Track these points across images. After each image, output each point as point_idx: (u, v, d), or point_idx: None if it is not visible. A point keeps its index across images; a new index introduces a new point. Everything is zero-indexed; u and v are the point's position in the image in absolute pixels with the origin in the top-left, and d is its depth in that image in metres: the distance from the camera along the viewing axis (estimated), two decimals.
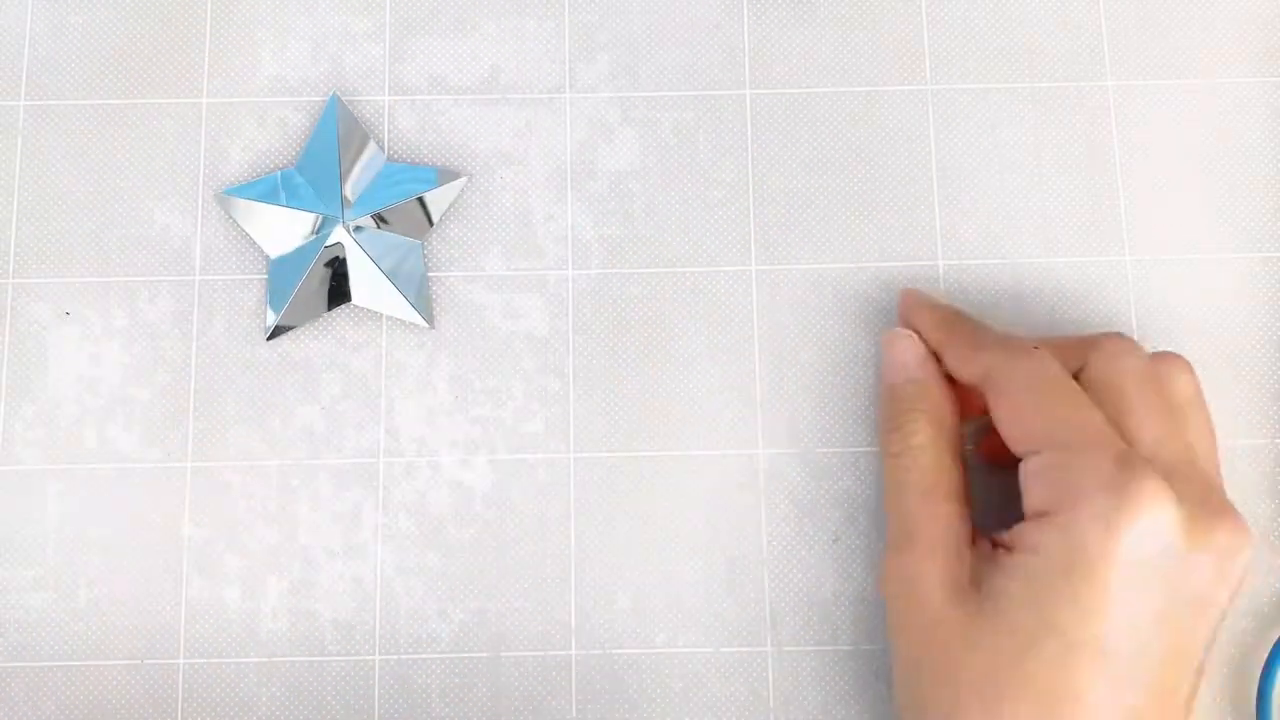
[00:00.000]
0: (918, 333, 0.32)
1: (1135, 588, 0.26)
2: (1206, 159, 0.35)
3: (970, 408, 0.31)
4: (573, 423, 0.33)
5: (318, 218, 0.34)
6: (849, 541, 0.33)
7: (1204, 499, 0.27)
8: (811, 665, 0.32)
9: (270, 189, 0.34)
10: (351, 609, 0.32)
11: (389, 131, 0.35)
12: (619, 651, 0.32)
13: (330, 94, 0.35)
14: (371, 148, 0.34)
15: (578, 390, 0.33)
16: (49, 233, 0.34)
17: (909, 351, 0.32)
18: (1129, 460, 0.26)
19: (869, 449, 0.33)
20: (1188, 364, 0.30)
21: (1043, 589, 0.26)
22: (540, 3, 0.36)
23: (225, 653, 0.32)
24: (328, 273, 0.34)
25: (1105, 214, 0.34)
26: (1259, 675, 0.31)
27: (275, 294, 0.33)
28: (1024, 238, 0.34)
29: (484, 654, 0.32)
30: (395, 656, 0.32)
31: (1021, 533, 0.28)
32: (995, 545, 0.28)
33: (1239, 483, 0.33)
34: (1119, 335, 0.30)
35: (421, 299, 0.34)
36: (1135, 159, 0.35)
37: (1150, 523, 0.26)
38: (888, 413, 0.31)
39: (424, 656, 0.32)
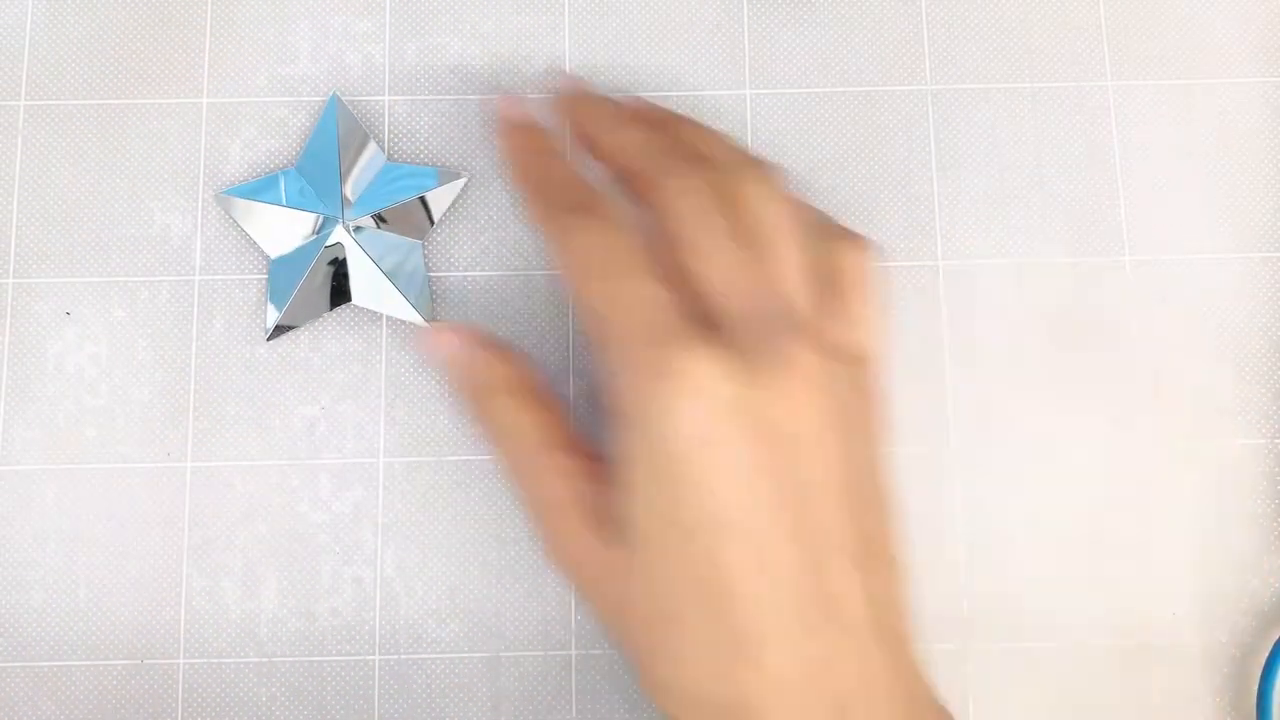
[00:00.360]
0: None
1: (722, 461, 0.24)
2: (1206, 159, 0.35)
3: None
4: (573, 423, 0.33)
5: (318, 218, 0.34)
6: None
7: (762, 336, 0.25)
8: None
9: (270, 189, 0.34)
10: (351, 609, 0.32)
11: (389, 131, 0.35)
12: (619, 651, 0.32)
13: (330, 94, 0.34)
14: (371, 148, 0.34)
15: (578, 390, 0.33)
16: (49, 233, 0.34)
17: (447, 344, 0.30)
18: (656, 336, 0.25)
19: None
20: (762, 170, 0.28)
21: (636, 498, 0.25)
22: (540, 2, 0.36)
23: (225, 653, 0.32)
24: (329, 272, 0.33)
25: (1105, 214, 0.34)
26: (1259, 675, 0.31)
27: (276, 294, 0.33)
28: (1024, 238, 0.34)
29: (484, 654, 0.32)
30: (395, 656, 0.32)
31: (611, 442, 0.26)
32: (605, 460, 0.27)
33: (1239, 482, 0.33)
34: (685, 172, 0.27)
35: (422, 299, 0.33)
36: (1135, 159, 0.35)
37: (693, 394, 0.24)
38: (467, 405, 0.30)
39: (424, 656, 0.32)
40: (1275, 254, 0.34)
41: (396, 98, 0.35)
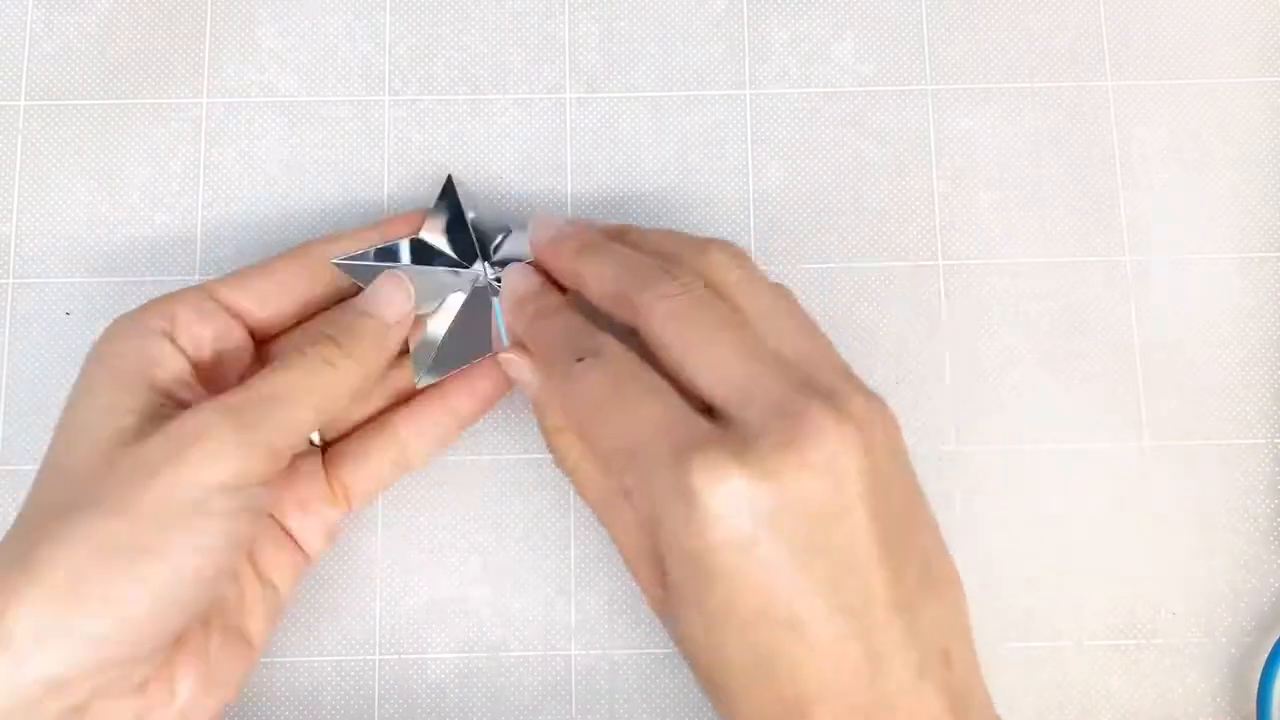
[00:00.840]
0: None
1: (762, 556, 0.24)
2: (1206, 159, 0.35)
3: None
4: None
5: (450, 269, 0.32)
6: None
7: (774, 419, 0.25)
8: None
9: (393, 254, 0.32)
10: (352, 609, 0.32)
11: (389, 131, 0.35)
12: (619, 651, 0.32)
13: (447, 176, 0.33)
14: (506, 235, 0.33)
15: None
16: (49, 233, 0.34)
17: (517, 372, 0.30)
18: (675, 451, 0.25)
19: None
20: (715, 243, 0.29)
21: (688, 603, 0.26)
22: (541, 2, 0.36)
23: None
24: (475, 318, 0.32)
25: (1105, 214, 0.34)
26: (1259, 675, 0.31)
27: (421, 353, 0.31)
28: (1024, 238, 0.34)
29: (484, 654, 0.32)
30: (395, 656, 0.32)
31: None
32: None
33: (1239, 482, 0.33)
34: (657, 279, 0.28)
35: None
36: (1135, 159, 0.35)
37: (722, 500, 0.24)
38: (544, 439, 0.31)
39: (424, 656, 0.32)
40: (1275, 254, 0.34)
41: (396, 97, 0.35)
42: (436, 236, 0.32)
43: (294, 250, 0.31)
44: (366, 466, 0.31)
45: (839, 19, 0.36)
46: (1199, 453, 0.33)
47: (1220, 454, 0.33)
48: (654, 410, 0.26)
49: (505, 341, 0.31)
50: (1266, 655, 0.31)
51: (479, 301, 0.32)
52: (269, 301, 0.30)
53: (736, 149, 0.35)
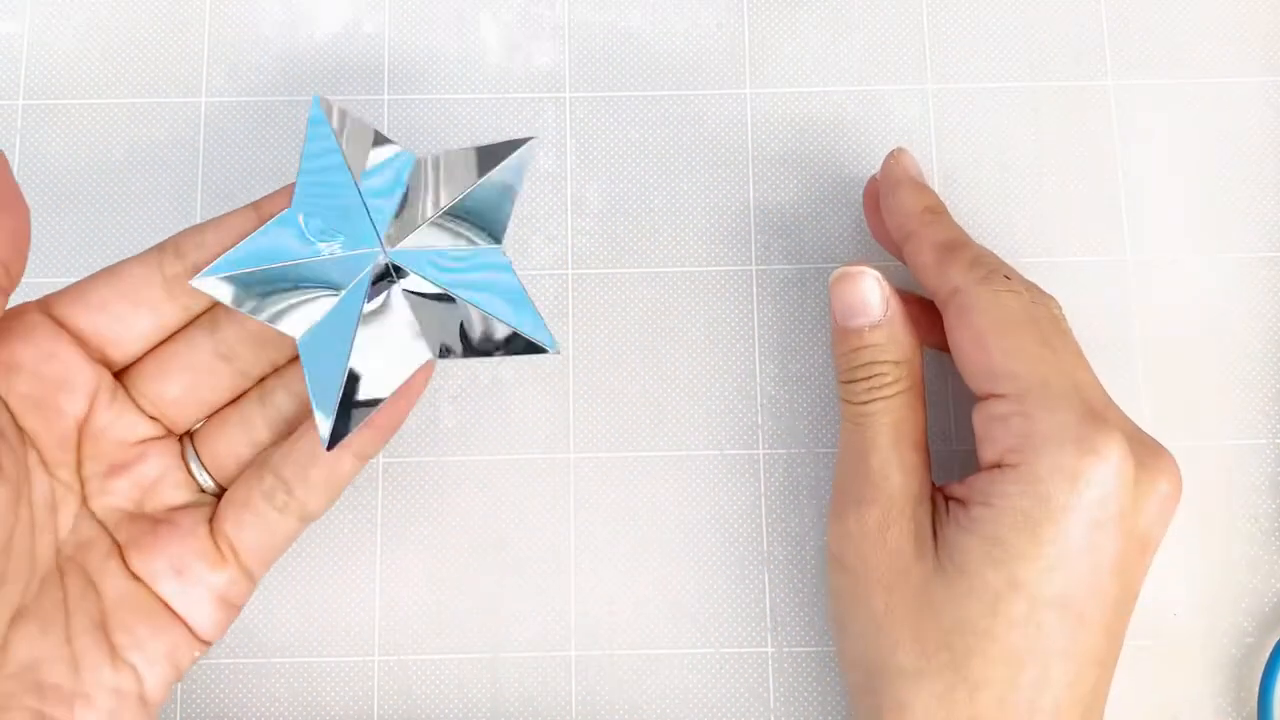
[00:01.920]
0: (889, 209, 0.31)
1: (1095, 539, 0.26)
2: (1206, 159, 0.35)
3: (929, 330, 0.30)
4: (573, 423, 0.33)
5: (347, 261, 0.25)
6: None
7: (1141, 441, 0.27)
8: (811, 665, 0.32)
9: (261, 248, 0.25)
10: (352, 609, 0.32)
11: (388, 131, 0.35)
12: (619, 652, 0.32)
13: (312, 95, 0.27)
14: (389, 148, 0.26)
15: (578, 390, 0.33)
16: (49, 233, 0.34)
17: (873, 292, 0.29)
18: (1094, 412, 0.26)
19: None
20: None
21: (1005, 545, 0.26)
22: (540, 2, 0.36)
23: (225, 653, 0.32)
24: (387, 334, 0.25)
25: (1105, 214, 0.34)
26: (1260, 676, 0.31)
27: (320, 389, 0.24)
28: (1024, 237, 0.34)
29: (484, 654, 0.32)
30: (395, 657, 0.32)
31: (979, 485, 0.27)
32: (947, 499, 0.28)
33: (1239, 482, 0.33)
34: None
35: (537, 323, 0.26)
36: (1135, 159, 0.35)
37: (1111, 475, 0.26)
38: (850, 361, 0.29)
39: (424, 657, 0.32)
40: (1275, 254, 0.34)
41: (396, 97, 0.35)
42: (315, 201, 0.24)
43: (148, 252, 0.26)
44: (250, 518, 0.27)
45: (839, 19, 0.36)
46: (1199, 453, 0.33)
47: (1221, 454, 0.33)
48: (1081, 361, 0.28)
49: (438, 352, 0.26)
50: (1268, 656, 0.31)
51: (386, 299, 0.25)
52: (117, 317, 0.26)
53: (737, 149, 0.35)
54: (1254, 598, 0.32)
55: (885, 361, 0.29)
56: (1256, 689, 0.31)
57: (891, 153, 0.32)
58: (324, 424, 0.24)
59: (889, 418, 0.28)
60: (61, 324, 0.26)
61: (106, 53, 0.35)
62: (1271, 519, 0.33)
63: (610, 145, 0.35)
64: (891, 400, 0.29)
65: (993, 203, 0.35)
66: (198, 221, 0.34)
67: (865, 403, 0.29)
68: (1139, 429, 0.28)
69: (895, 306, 0.29)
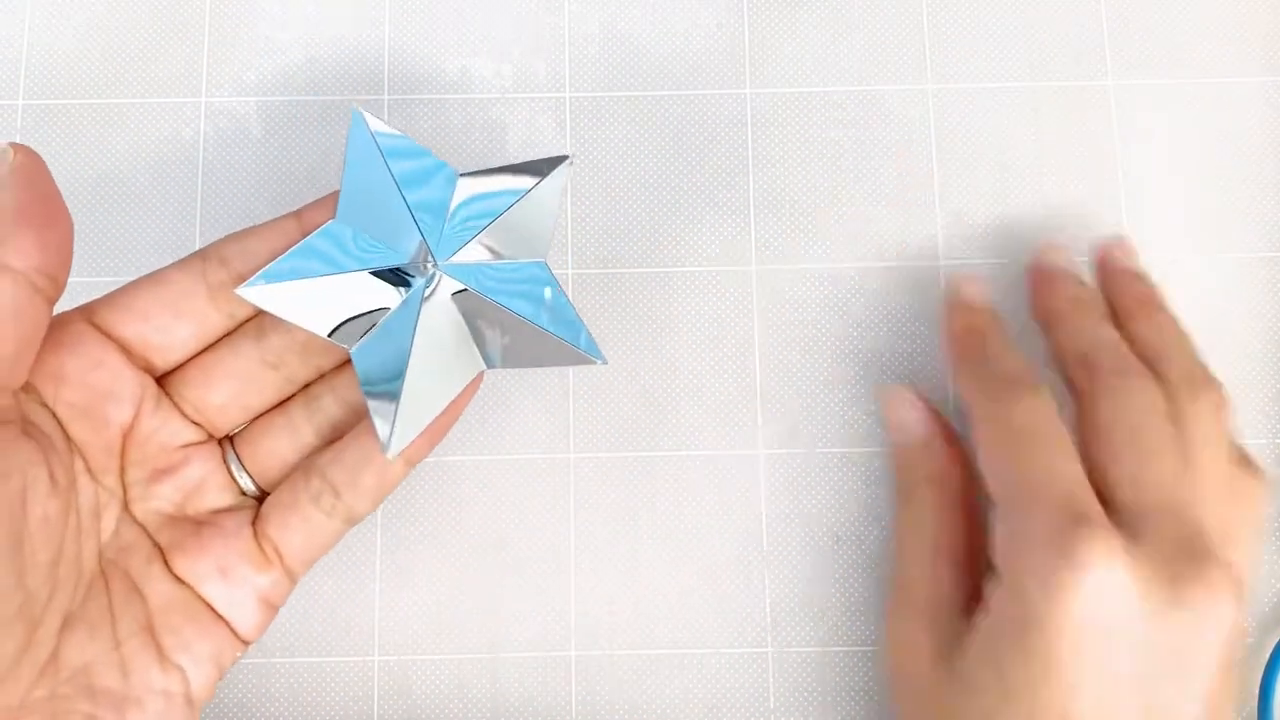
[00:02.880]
0: (952, 322, 0.31)
1: (1096, 652, 0.24)
2: (1206, 158, 0.35)
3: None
4: (573, 423, 0.33)
5: (393, 275, 0.25)
6: (849, 542, 0.33)
7: (1178, 551, 0.25)
8: (811, 665, 0.32)
9: (307, 259, 0.25)
10: (352, 609, 0.32)
11: None
12: (619, 652, 0.32)
13: (352, 109, 0.27)
14: (430, 160, 0.26)
15: (578, 390, 0.33)
16: None
17: (908, 412, 0.31)
18: (1077, 514, 0.25)
19: (869, 449, 0.33)
20: (1215, 393, 0.28)
21: (997, 652, 0.25)
22: (540, 2, 0.36)
23: None
24: (440, 340, 0.25)
25: (1105, 214, 0.34)
26: (1260, 676, 0.31)
27: (378, 394, 0.25)
28: (1024, 237, 0.34)
29: (484, 654, 0.32)
30: (395, 657, 0.32)
31: (986, 589, 0.27)
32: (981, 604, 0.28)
33: None
34: (1139, 374, 0.28)
35: (585, 336, 0.26)
36: (1135, 159, 0.35)
37: (1097, 582, 0.24)
38: (898, 478, 0.31)
39: (424, 657, 0.32)
40: (1275, 254, 0.34)
41: (396, 97, 0.35)
42: (360, 215, 0.25)
43: (190, 258, 0.27)
44: (296, 520, 0.27)
45: (839, 19, 0.36)
46: None
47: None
48: (1069, 467, 0.26)
49: (487, 362, 0.26)
50: (1268, 656, 0.31)
51: (438, 313, 0.25)
52: (161, 326, 0.26)
53: (737, 149, 0.35)
54: (1254, 598, 0.32)
55: (920, 478, 0.30)
56: (1257, 689, 0.31)
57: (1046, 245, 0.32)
58: (383, 431, 0.25)
59: (928, 531, 0.29)
60: (106, 332, 0.26)
61: (106, 53, 0.35)
62: (1272, 519, 0.33)
63: (610, 145, 0.35)
64: (925, 517, 0.30)
65: (993, 203, 0.35)
66: (196, 221, 0.34)
67: (905, 519, 0.30)
68: (1195, 538, 0.25)
69: (933, 426, 0.31)
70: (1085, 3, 0.36)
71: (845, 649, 0.32)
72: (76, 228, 0.34)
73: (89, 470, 0.25)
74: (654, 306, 0.34)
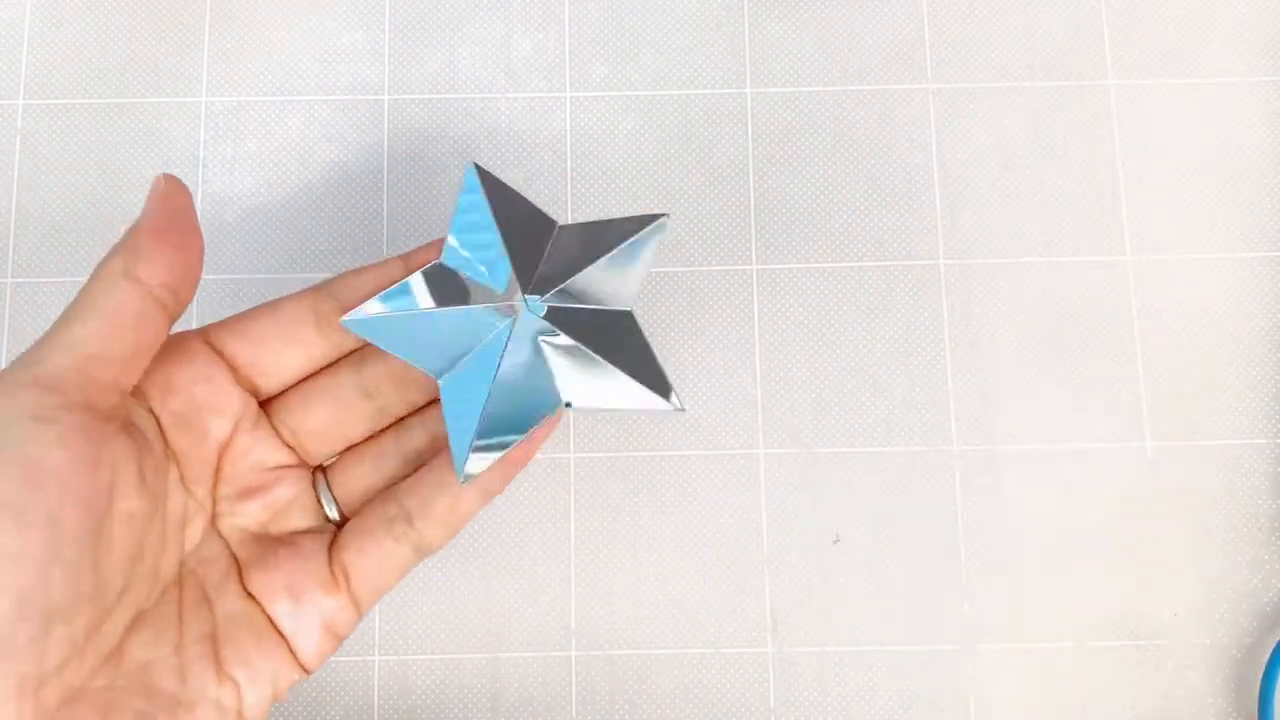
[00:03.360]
0: None
1: None
2: (1206, 159, 0.35)
3: None
4: (573, 423, 0.33)
5: (489, 311, 0.27)
6: (849, 541, 0.33)
7: None
8: (811, 665, 0.32)
9: (414, 296, 0.27)
10: None
11: (389, 131, 0.35)
12: (619, 652, 0.32)
13: (467, 164, 0.28)
14: (541, 217, 0.28)
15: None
16: (49, 232, 0.34)
17: None
18: None
19: (869, 449, 0.33)
20: None
21: None
22: (541, 2, 0.36)
23: None
24: (525, 374, 0.27)
25: (1105, 214, 0.34)
26: (1260, 676, 0.31)
27: (458, 425, 0.26)
28: (1024, 237, 0.34)
29: (483, 654, 0.32)
30: (395, 657, 0.32)
31: None
32: None
33: (1239, 483, 0.33)
34: None
35: (661, 381, 0.27)
36: (1135, 159, 0.35)
37: None
38: None
39: (424, 657, 0.32)
40: (1275, 254, 0.34)
41: (396, 97, 0.35)
42: (463, 256, 0.27)
43: (304, 291, 0.28)
44: (370, 545, 0.27)
45: (839, 18, 0.36)
46: (1200, 453, 0.33)
47: (1222, 454, 0.33)
48: None
49: (563, 396, 0.27)
50: (1268, 656, 0.31)
51: (524, 349, 0.27)
52: (270, 350, 0.27)
53: (737, 149, 0.35)
54: (1254, 598, 0.32)
55: None
56: (1257, 689, 0.31)
57: None
58: (459, 459, 0.26)
59: None
60: (218, 351, 0.27)
61: (106, 53, 0.35)
62: (1272, 519, 0.33)
63: (610, 145, 0.35)
64: None
65: (993, 203, 0.35)
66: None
67: None
68: None
69: None
70: (1085, 3, 0.36)
71: (845, 649, 0.32)
72: (76, 227, 0.34)
73: (183, 480, 0.26)
74: (654, 306, 0.34)
